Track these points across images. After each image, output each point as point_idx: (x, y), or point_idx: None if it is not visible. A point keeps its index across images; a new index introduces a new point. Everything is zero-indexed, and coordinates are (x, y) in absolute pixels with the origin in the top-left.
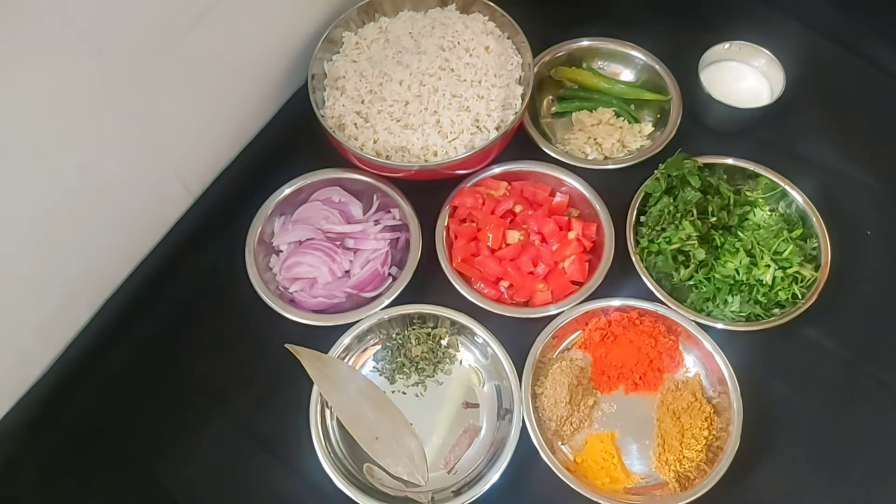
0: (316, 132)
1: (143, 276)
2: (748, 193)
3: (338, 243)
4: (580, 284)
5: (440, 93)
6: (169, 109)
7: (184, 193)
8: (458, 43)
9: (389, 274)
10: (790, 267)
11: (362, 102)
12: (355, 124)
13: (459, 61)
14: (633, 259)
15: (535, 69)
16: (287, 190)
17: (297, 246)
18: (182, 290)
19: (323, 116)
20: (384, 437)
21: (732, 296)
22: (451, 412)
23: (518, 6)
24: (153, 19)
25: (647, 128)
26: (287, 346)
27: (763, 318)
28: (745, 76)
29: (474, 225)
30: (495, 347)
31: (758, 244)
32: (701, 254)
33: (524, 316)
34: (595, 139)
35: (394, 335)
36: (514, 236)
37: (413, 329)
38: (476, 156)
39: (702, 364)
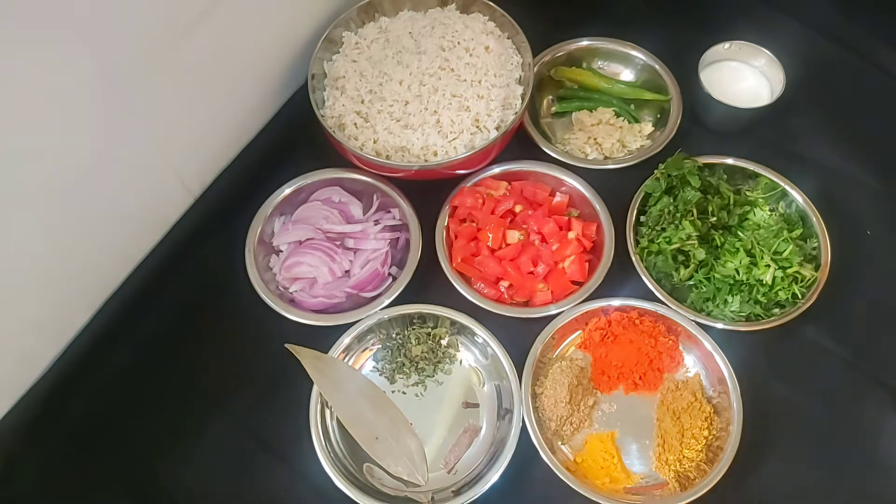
0: (316, 132)
1: (143, 275)
2: (748, 193)
3: (338, 243)
4: (580, 284)
5: (440, 93)
6: (169, 109)
7: (184, 193)
8: (458, 43)
9: (389, 274)
10: (790, 267)
11: (362, 102)
12: (355, 124)
13: (459, 61)
14: (633, 259)
15: (535, 69)
16: (287, 190)
17: (297, 246)
18: (182, 290)
19: (323, 116)
20: (384, 437)
21: (732, 296)
22: (451, 412)
23: (518, 6)
24: (153, 19)
25: (647, 128)
26: (287, 346)
27: (763, 318)
28: (745, 76)
29: (474, 225)
30: (495, 347)
31: (758, 244)
32: (701, 254)
33: (524, 316)
34: (595, 139)
35: (394, 335)
36: (514, 236)
37: (413, 329)
38: (476, 156)
39: (702, 364)
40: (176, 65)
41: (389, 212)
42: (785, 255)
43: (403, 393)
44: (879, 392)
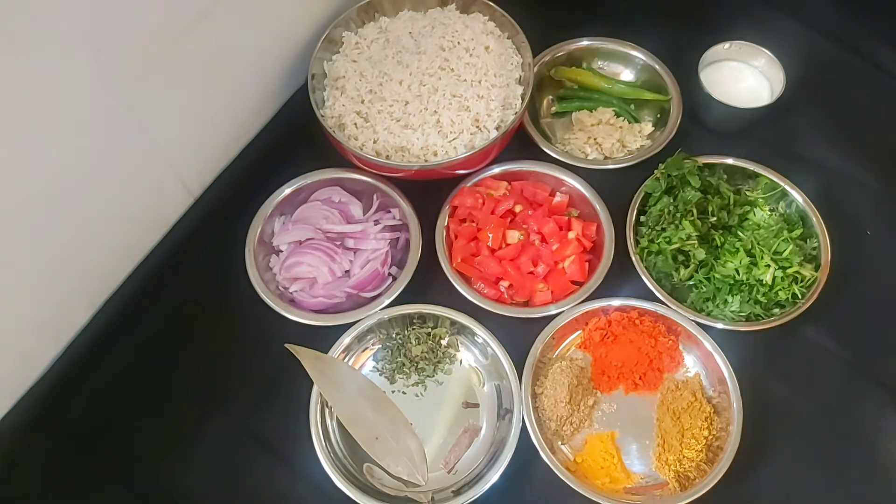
0: (316, 132)
1: (143, 275)
2: (748, 193)
3: (338, 243)
4: (580, 284)
5: (440, 93)
6: (169, 109)
7: (184, 193)
8: (458, 43)
9: (389, 274)
10: (790, 267)
11: (362, 102)
12: (355, 124)
13: (459, 61)
14: (633, 259)
15: (535, 69)
16: (287, 190)
17: (297, 246)
18: (182, 290)
19: (323, 116)
20: (384, 437)
21: (732, 296)
22: (451, 412)
23: (518, 6)
24: (153, 19)
25: (647, 128)
26: (287, 346)
27: (763, 318)
28: (745, 76)
29: (474, 225)
30: (495, 347)
31: (758, 244)
32: (701, 254)
33: (524, 316)
34: (595, 139)
35: (394, 335)
36: (514, 236)
37: (413, 329)
38: (476, 156)
39: (702, 364)
40: (176, 65)
41: (389, 212)
42: (785, 255)
43: (403, 393)
44: (879, 392)
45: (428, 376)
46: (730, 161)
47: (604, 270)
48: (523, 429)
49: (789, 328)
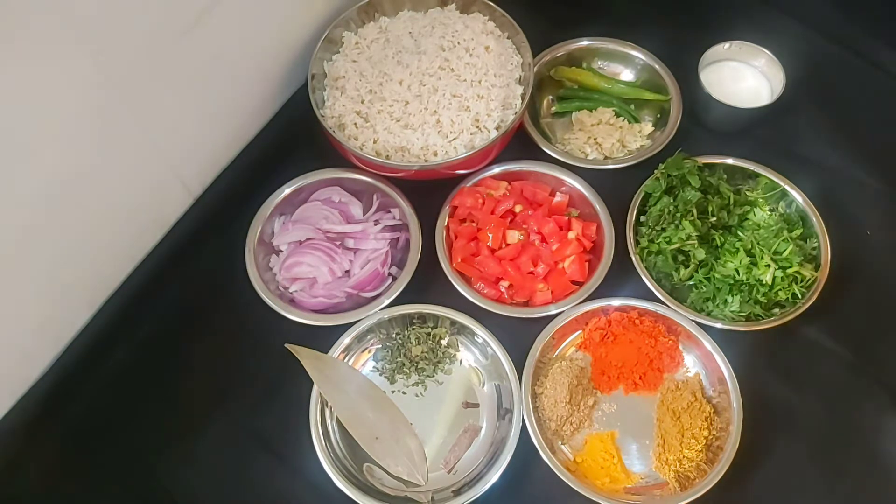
0: (316, 132)
1: (143, 275)
2: (748, 193)
3: (338, 243)
4: (580, 284)
5: (440, 93)
6: (169, 109)
7: (184, 193)
8: (458, 43)
9: (389, 274)
10: (790, 267)
11: (362, 102)
12: (355, 124)
13: (459, 61)
14: (633, 259)
15: (535, 69)
16: (287, 190)
17: (297, 246)
18: (182, 290)
19: (323, 116)
20: (384, 437)
21: (732, 296)
22: (451, 412)
23: (518, 6)
24: (153, 19)
25: (647, 128)
26: (287, 346)
27: (763, 318)
28: (745, 76)
29: (474, 225)
30: (495, 347)
31: (758, 244)
32: (701, 254)
33: (524, 316)
34: (595, 139)
35: (394, 335)
36: (514, 236)
37: (413, 329)
38: (476, 156)
39: (702, 364)
40: (176, 65)
41: (389, 212)
42: (785, 255)
43: (403, 393)
44: (879, 392)
45: (428, 376)
46: (730, 161)
47: (604, 270)
48: (523, 429)
49: (789, 328)
